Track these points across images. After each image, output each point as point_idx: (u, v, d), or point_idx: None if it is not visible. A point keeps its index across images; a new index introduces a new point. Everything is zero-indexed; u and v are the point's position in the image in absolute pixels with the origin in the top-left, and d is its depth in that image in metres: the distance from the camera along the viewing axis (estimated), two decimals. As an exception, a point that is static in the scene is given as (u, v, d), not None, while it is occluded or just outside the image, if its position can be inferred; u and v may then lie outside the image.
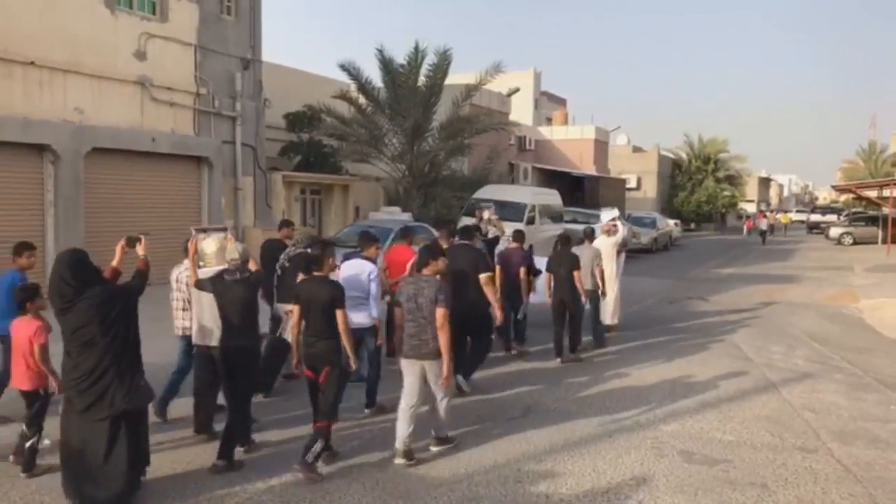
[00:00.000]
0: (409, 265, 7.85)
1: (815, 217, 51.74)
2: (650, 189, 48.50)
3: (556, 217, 23.23)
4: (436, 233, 10.04)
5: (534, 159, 38.31)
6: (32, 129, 12.78)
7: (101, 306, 4.89)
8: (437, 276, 6.21)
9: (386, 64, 22.91)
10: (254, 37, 17.86)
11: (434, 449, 6.29)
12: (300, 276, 6.50)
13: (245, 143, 17.55)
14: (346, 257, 7.51)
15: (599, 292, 10.58)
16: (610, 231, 12.04)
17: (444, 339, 5.96)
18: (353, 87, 23.49)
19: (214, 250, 6.38)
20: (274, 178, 19.37)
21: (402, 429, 5.99)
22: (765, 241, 38.73)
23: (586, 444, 6.57)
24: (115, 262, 5.57)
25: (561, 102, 52.84)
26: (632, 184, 46.66)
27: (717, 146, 51.09)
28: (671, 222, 35.76)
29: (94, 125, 13.85)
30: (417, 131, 22.65)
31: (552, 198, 24.45)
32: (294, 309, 6.16)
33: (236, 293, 5.89)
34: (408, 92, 22.75)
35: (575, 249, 10.25)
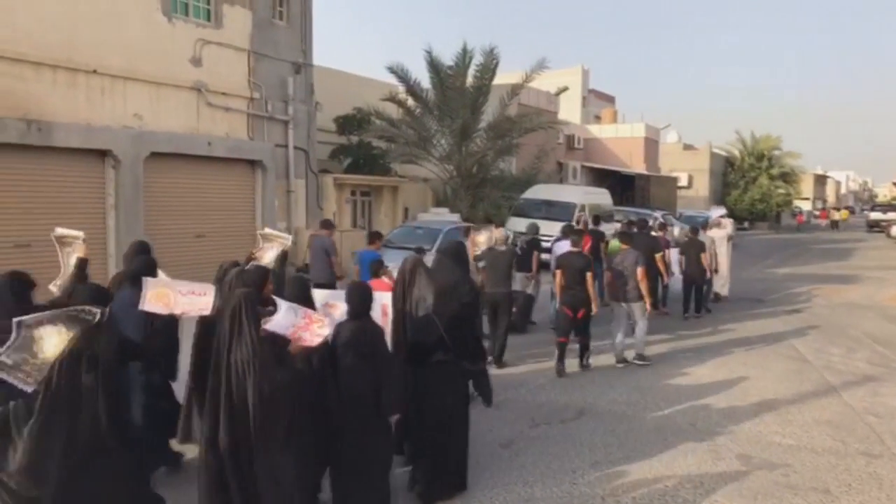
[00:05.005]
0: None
1: (876, 215, 50.16)
2: (702, 187, 47.63)
3: (607, 217, 23.04)
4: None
5: (583, 158, 38.01)
6: (95, 135, 13.18)
7: None
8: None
9: (434, 65, 23.01)
10: (305, 41, 18.10)
11: (637, 363, 9.57)
12: (535, 254, 11.37)
13: (297, 147, 17.80)
14: (558, 240, 11.90)
15: (712, 270, 13.79)
16: (720, 224, 15.53)
17: (644, 287, 9.45)
18: (401, 89, 23.65)
19: (483, 240, 9.83)
20: (325, 181, 19.62)
21: (616, 341, 9.62)
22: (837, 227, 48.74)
23: (641, 446, 6.53)
24: None
25: (609, 100, 52.28)
26: (683, 182, 45.90)
27: (771, 143, 49.85)
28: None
29: (153, 130, 14.22)
30: (465, 132, 22.70)
31: (602, 197, 24.24)
32: (557, 272, 9.39)
33: (501, 260, 9.44)
34: (456, 93, 22.82)
35: (700, 237, 13.78)
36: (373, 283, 7.20)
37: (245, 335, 4.08)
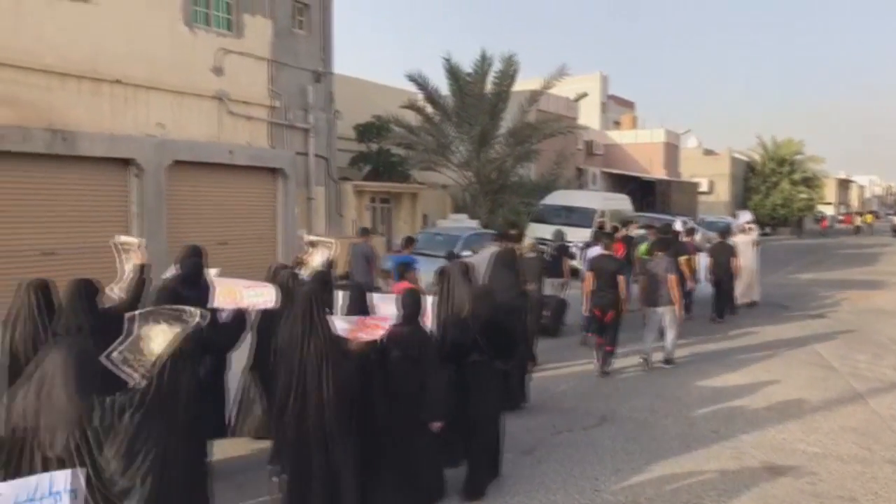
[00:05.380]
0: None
1: None
2: (723, 192, 47.28)
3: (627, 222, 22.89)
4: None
5: (602, 164, 37.89)
6: (118, 144, 13.35)
7: None
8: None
9: (453, 72, 23.08)
10: (325, 50, 18.22)
11: (666, 367, 9.71)
12: (564, 260, 11.75)
13: (317, 154, 17.91)
14: (588, 245, 12.67)
15: (738, 274, 13.86)
16: (746, 230, 15.77)
17: (675, 293, 9.59)
18: (420, 96, 23.72)
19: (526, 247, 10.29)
20: (345, 188, 19.72)
21: (647, 344, 9.77)
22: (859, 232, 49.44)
23: (663, 454, 6.48)
24: None
25: (629, 106, 52.10)
26: (704, 187, 45.57)
27: (793, 147, 49.31)
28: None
29: (175, 139, 14.36)
30: (484, 138, 22.72)
31: (622, 203, 24.12)
32: (588, 274, 9.62)
33: (531, 266, 9.66)
34: (475, 99, 22.86)
35: (728, 241, 14.14)
36: (400, 284, 7.68)
37: (318, 328, 4.50)
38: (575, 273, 12.50)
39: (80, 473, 3.41)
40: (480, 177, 23.27)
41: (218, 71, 15.29)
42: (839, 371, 9.73)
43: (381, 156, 22.66)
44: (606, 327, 9.33)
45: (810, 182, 49.81)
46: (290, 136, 17.23)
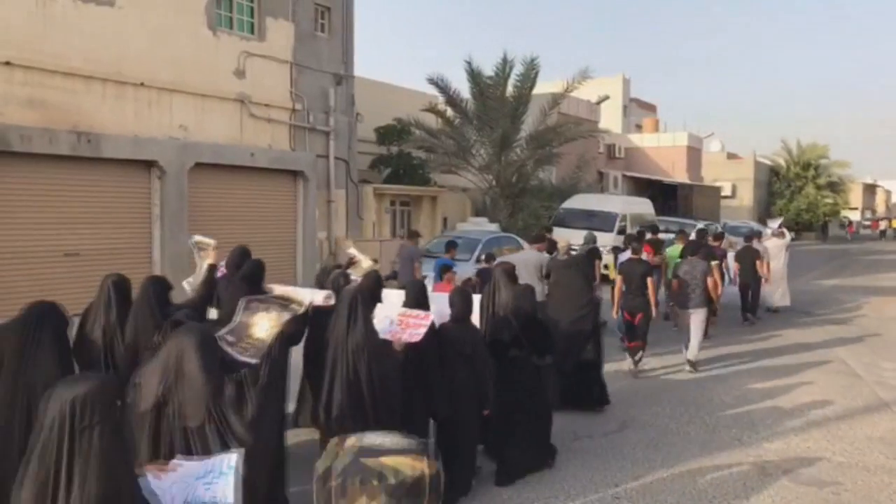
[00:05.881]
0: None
1: None
2: (746, 197, 46.85)
3: (649, 227, 22.72)
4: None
5: (624, 167, 37.68)
6: (142, 146, 13.46)
7: None
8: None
9: (474, 75, 23.03)
10: (346, 53, 18.28)
11: (687, 369, 9.71)
12: (595, 263, 11.10)
13: (338, 157, 17.95)
14: (619, 250, 12.76)
15: (763, 280, 13.93)
16: (779, 235, 15.84)
17: (715, 294, 9.99)
18: (441, 99, 23.70)
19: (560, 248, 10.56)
20: (365, 191, 19.74)
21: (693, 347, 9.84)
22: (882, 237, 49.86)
23: (685, 462, 6.40)
24: None
25: (651, 109, 51.73)
26: (727, 192, 45.19)
27: (818, 152, 48.80)
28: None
29: (198, 141, 14.46)
30: (505, 142, 22.65)
31: (644, 207, 23.96)
32: (618, 278, 9.81)
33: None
34: (495, 103, 22.80)
35: (755, 245, 14.19)
36: (440, 285, 8.23)
37: (359, 324, 4.73)
38: (605, 279, 12.56)
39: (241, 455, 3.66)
40: (500, 180, 23.21)
41: (240, 74, 15.39)
42: (864, 379, 9.57)
43: (401, 159, 22.67)
44: (636, 328, 9.56)
45: (835, 187, 49.30)
46: (311, 138, 17.29)
